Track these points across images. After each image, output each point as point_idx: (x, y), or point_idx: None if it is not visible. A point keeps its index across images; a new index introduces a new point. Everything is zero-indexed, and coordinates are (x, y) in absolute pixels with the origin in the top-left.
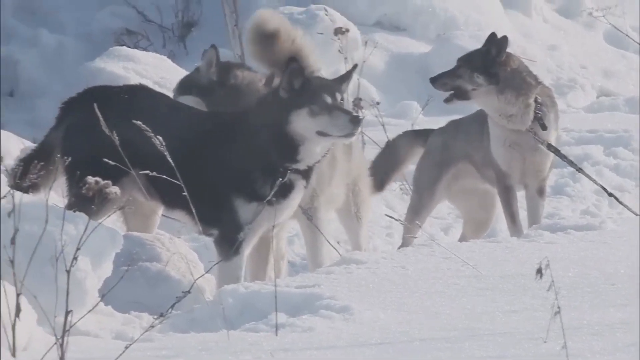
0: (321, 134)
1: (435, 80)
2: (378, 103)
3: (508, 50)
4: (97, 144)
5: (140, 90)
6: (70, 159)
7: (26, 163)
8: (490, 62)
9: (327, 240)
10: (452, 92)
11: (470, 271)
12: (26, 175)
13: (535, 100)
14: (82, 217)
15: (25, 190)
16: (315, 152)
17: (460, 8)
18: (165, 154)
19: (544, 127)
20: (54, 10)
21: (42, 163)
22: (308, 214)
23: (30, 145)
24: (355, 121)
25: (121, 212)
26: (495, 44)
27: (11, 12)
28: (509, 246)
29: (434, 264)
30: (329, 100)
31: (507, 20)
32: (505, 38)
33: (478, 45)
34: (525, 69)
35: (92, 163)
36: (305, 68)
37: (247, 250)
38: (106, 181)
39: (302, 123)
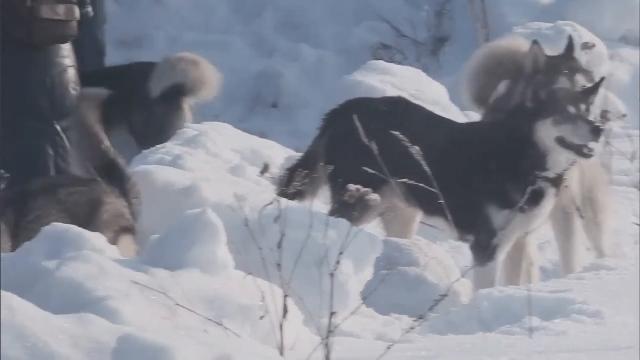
0: (563, 142)
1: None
2: (624, 115)
3: None
4: (358, 153)
5: (398, 102)
6: (332, 167)
7: (291, 171)
8: None
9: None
10: None
11: None
12: (291, 182)
13: None
14: (344, 222)
15: (291, 197)
16: (561, 160)
17: None
18: (422, 163)
19: None
20: (313, 25)
21: (307, 171)
22: (580, 212)
23: (293, 154)
24: (596, 131)
25: (381, 218)
26: None
27: (273, 27)
28: None
29: None
30: (572, 110)
31: None
32: None
33: None
34: None
35: (353, 171)
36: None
37: (502, 255)
38: (367, 189)
39: (546, 132)
